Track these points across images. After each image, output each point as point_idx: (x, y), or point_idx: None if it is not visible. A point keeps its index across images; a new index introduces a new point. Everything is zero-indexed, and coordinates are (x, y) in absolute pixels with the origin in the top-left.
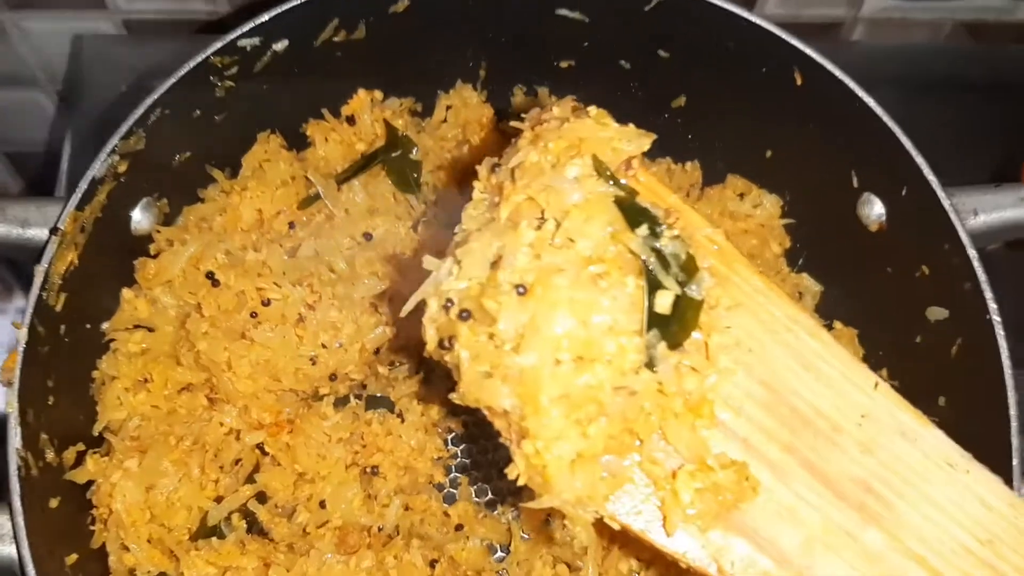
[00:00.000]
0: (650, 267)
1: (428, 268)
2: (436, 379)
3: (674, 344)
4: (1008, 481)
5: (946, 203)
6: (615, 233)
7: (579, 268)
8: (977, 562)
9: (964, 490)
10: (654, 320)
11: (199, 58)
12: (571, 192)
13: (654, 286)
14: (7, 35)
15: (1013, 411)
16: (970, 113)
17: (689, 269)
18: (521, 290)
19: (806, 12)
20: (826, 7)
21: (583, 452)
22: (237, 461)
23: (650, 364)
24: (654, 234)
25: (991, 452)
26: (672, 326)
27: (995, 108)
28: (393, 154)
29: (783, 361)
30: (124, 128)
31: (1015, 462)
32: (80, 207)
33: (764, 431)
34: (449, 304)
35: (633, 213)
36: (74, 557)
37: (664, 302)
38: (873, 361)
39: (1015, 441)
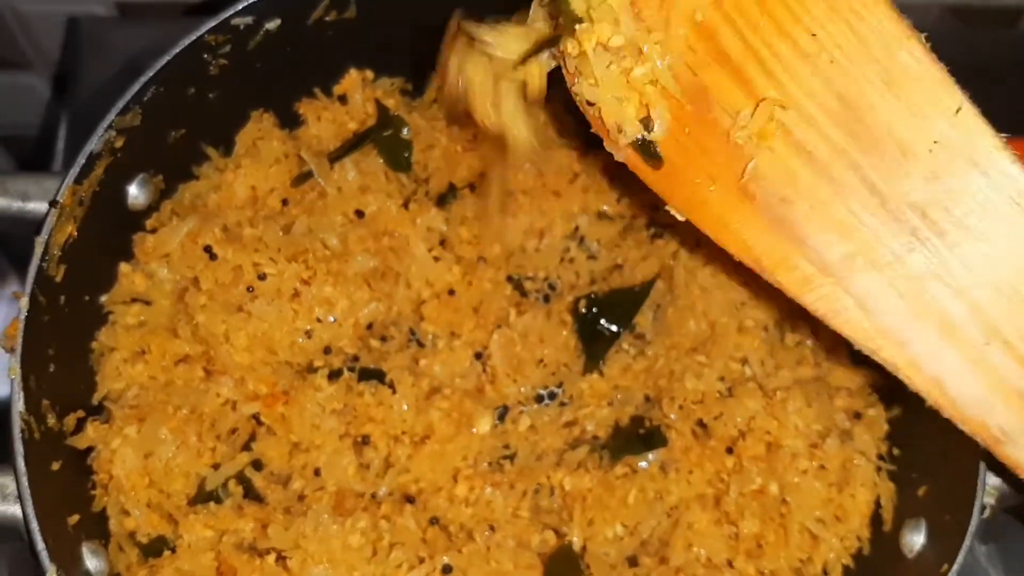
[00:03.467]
0: None
1: None
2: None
3: None
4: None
5: None
6: None
7: None
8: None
9: None
10: None
11: (193, 36)
12: None
13: None
14: (1, 18)
15: None
16: None
17: None
18: None
19: None
20: None
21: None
22: (233, 430)
23: None
24: None
25: None
26: None
27: (978, 90)
28: (384, 133)
29: (867, 74)
30: (121, 104)
31: None
32: (78, 181)
33: (831, 145)
34: None
35: None
36: (76, 518)
37: None
38: None
39: None
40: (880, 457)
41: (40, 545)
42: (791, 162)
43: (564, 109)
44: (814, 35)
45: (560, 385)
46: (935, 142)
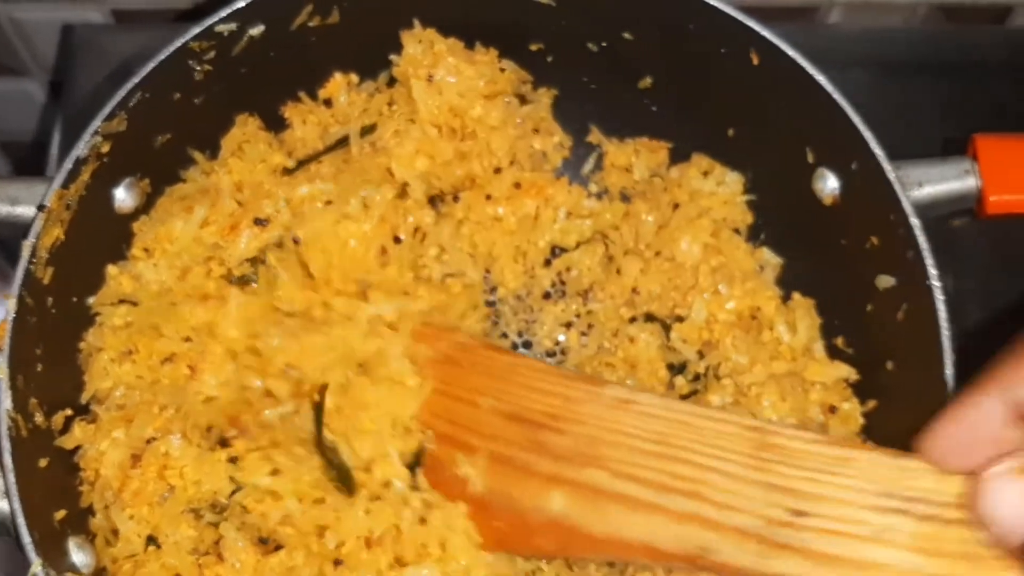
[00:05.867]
0: None
1: None
2: None
3: None
4: None
5: (891, 175)
6: None
7: None
8: None
9: None
10: None
11: (177, 43)
12: None
13: None
14: None
15: (949, 371)
16: (936, 92)
17: None
18: None
19: None
20: None
21: None
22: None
23: None
24: None
25: (929, 409)
26: None
27: (962, 87)
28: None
29: None
30: (106, 110)
31: None
32: (65, 185)
33: None
34: None
35: None
36: (62, 513)
37: None
38: (830, 329)
39: None
40: None
41: (26, 539)
42: None
43: None
44: None
45: None
46: None
